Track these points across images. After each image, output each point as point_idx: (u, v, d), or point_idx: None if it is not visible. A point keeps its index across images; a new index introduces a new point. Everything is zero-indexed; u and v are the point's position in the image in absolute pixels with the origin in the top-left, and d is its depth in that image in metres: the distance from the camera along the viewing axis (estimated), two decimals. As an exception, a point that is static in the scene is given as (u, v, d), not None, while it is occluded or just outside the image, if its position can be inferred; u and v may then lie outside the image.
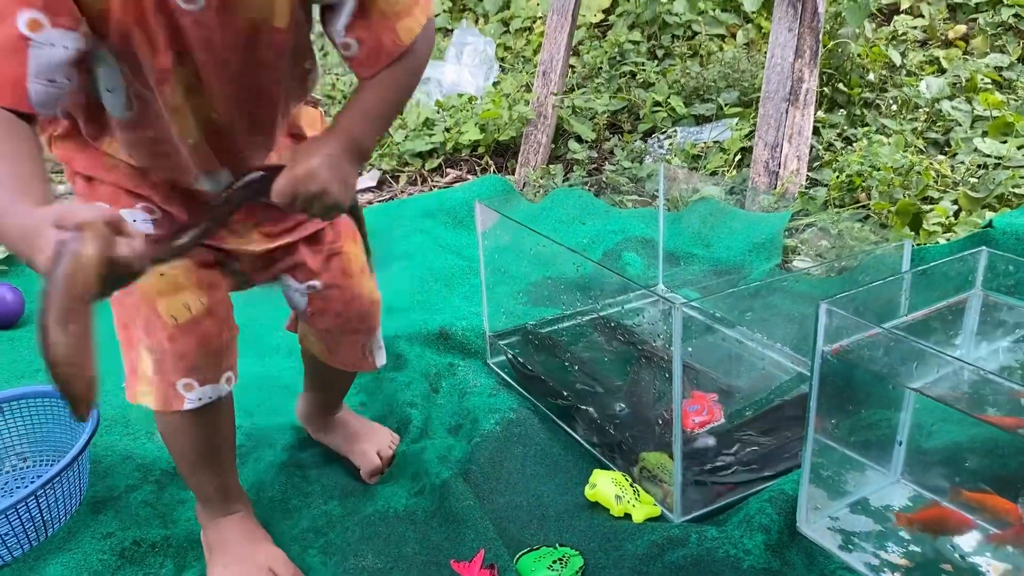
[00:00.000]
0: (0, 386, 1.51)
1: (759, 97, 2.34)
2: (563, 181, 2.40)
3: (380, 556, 1.05)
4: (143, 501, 1.18)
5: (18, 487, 1.24)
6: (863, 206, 2.00)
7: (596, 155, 2.59)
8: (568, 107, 2.67)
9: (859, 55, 2.68)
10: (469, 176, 2.57)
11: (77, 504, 1.16)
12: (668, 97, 2.75)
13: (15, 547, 1.07)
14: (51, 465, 1.27)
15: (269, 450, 1.29)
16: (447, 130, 2.70)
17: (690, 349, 1.25)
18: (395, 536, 1.09)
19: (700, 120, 2.74)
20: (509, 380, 1.45)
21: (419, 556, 1.06)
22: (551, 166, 2.45)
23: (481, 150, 2.64)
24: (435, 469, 1.18)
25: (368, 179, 2.64)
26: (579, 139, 2.61)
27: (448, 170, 2.62)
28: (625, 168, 2.46)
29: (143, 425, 1.36)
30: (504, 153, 2.68)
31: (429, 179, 2.60)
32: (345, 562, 1.05)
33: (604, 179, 2.34)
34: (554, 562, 1.01)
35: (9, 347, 1.69)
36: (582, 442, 1.28)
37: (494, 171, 2.57)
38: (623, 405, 1.28)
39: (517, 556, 1.03)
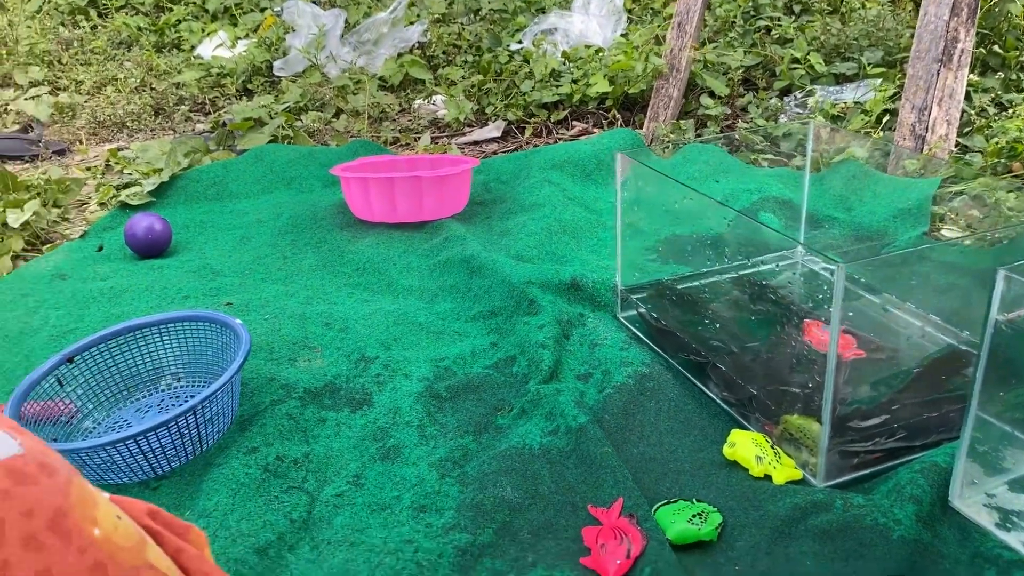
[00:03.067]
0: (151, 311, 1.60)
1: (905, 57, 2.22)
2: (695, 137, 2.35)
3: (517, 490, 1.07)
4: (286, 416, 1.23)
5: (173, 404, 1.30)
6: (1018, 176, 1.88)
7: (729, 112, 2.52)
8: (699, 61, 2.59)
9: (1019, 16, 2.50)
10: (595, 129, 2.54)
11: (229, 422, 1.21)
12: (807, 54, 2.64)
13: (173, 459, 1.14)
14: (203, 385, 1.33)
15: (405, 380, 1.32)
16: (574, 82, 2.67)
17: (851, 313, 1.21)
18: (531, 473, 1.10)
19: (840, 79, 2.62)
20: (639, 335, 1.44)
21: (555, 495, 1.07)
22: (682, 121, 2.39)
23: (609, 103, 2.60)
24: (571, 412, 1.19)
25: (493, 129, 2.64)
26: (712, 94, 2.53)
27: (574, 122, 2.60)
28: (759, 126, 2.38)
29: (285, 351, 1.41)
30: (632, 107, 2.64)
31: (554, 131, 2.59)
32: (483, 492, 1.07)
33: (738, 136, 2.27)
34: (693, 516, 1.00)
35: (159, 275, 1.78)
36: (716, 400, 1.26)
37: (621, 125, 2.53)
38: (763, 365, 1.25)
39: (654, 507, 1.03)
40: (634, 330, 1.45)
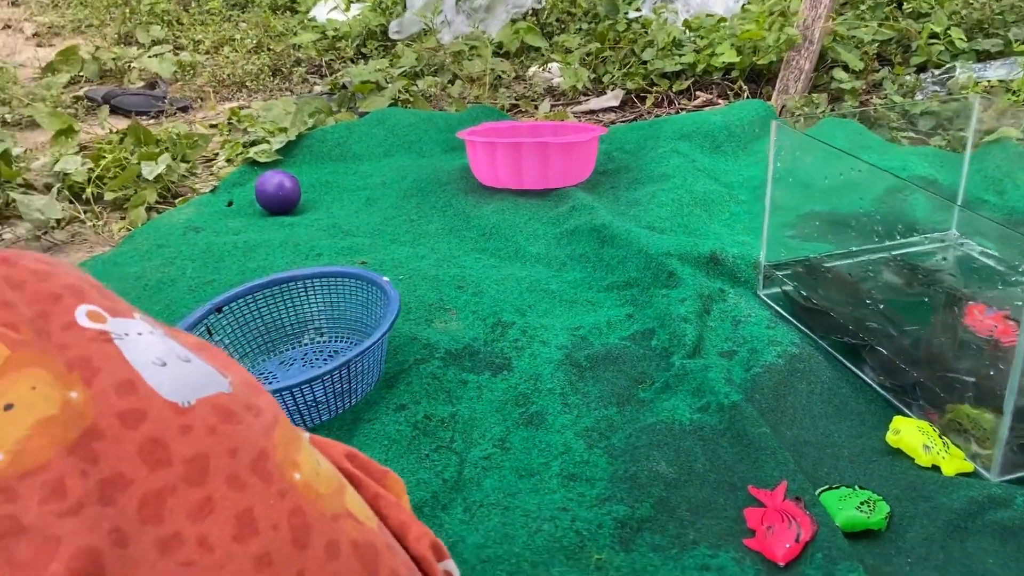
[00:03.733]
0: (286, 266, 1.62)
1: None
2: (828, 111, 2.25)
3: (672, 466, 1.04)
4: (430, 376, 1.23)
5: (316, 359, 1.32)
6: None
7: (863, 87, 2.41)
8: (831, 34, 2.48)
9: None
10: (720, 100, 2.46)
11: (376, 379, 1.22)
12: (947, 29, 2.50)
13: (324, 412, 1.14)
14: (345, 340, 1.34)
15: (543, 347, 1.31)
16: (697, 51, 2.59)
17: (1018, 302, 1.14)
18: (683, 449, 1.07)
19: (983, 56, 2.48)
20: (784, 313, 1.39)
21: (711, 474, 1.04)
22: (813, 95, 2.30)
23: (735, 74, 2.52)
24: (722, 389, 1.15)
25: (611, 98, 2.59)
26: (845, 68, 2.43)
27: (697, 93, 2.52)
28: (895, 103, 2.27)
29: (422, 312, 1.41)
30: (758, 79, 2.55)
31: (676, 101, 2.52)
32: (635, 464, 1.04)
33: (875, 111, 2.17)
34: (861, 504, 0.96)
35: (290, 232, 1.80)
36: (872, 384, 1.20)
37: (747, 96, 2.45)
38: (926, 350, 1.19)
39: (817, 492, 0.99)
40: (778, 308, 1.40)
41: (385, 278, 1.27)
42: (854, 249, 1.50)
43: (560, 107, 2.59)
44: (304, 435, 0.58)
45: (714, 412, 1.13)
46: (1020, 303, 0.94)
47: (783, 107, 2.31)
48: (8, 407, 0.42)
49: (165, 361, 0.49)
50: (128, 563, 0.41)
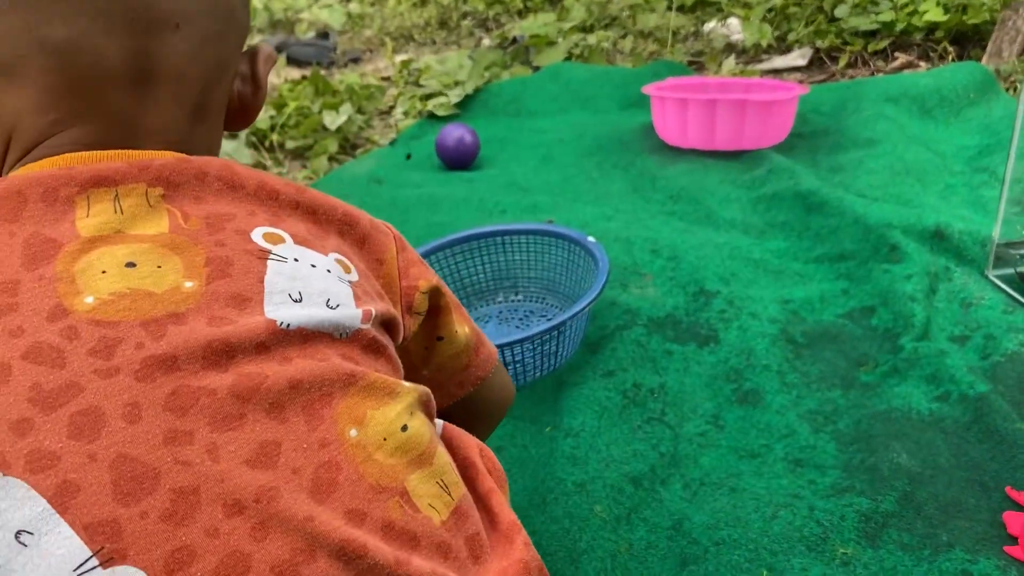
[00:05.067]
0: (470, 221, 1.59)
1: None
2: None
3: (914, 458, 0.95)
4: (634, 344, 1.17)
5: (512, 317, 1.29)
6: None
7: (1091, 50, 2.17)
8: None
9: None
10: (921, 63, 2.27)
11: (578, 343, 1.18)
12: None
13: (531, 373, 1.11)
14: (541, 301, 1.30)
15: (753, 320, 1.23)
16: (897, 8, 2.40)
17: None
18: (924, 441, 0.98)
19: None
20: (1018, 297, 1.25)
21: (958, 471, 0.94)
22: (1034, 58, 2.09)
23: (939, 34, 2.32)
24: (965, 378, 1.04)
25: (798, 56, 2.44)
26: (1071, 29, 2.19)
27: (896, 54, 2.34)
28: None
29: (617, 275, 1.35)
30: (964, 41, 2.34)
31: (871, 62, 2.34)
32: (873, 454, 0.96)
33: (1107, 79, 1.94)
34: None
35: (470, 187, 1.78)
36: None
37: (953, 59, 2.25)
38: None
39: (1088, 500, 0.88)
40: (1011, 292, 1.27)
41: (591, 238, 1.22)
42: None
43: (742, 65, 2.46)
44: (408, 399, 0.51)
45: (956, 403, 1.03)
46: None
47: (996, 71, 2.11)
48: (129, 264, 0.44)
49: (301, 298, 0.48)
50: (129, 435, 0.41)
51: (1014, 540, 0.85)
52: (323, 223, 0.53)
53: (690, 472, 0.98)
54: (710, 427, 1.05)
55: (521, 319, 1.29)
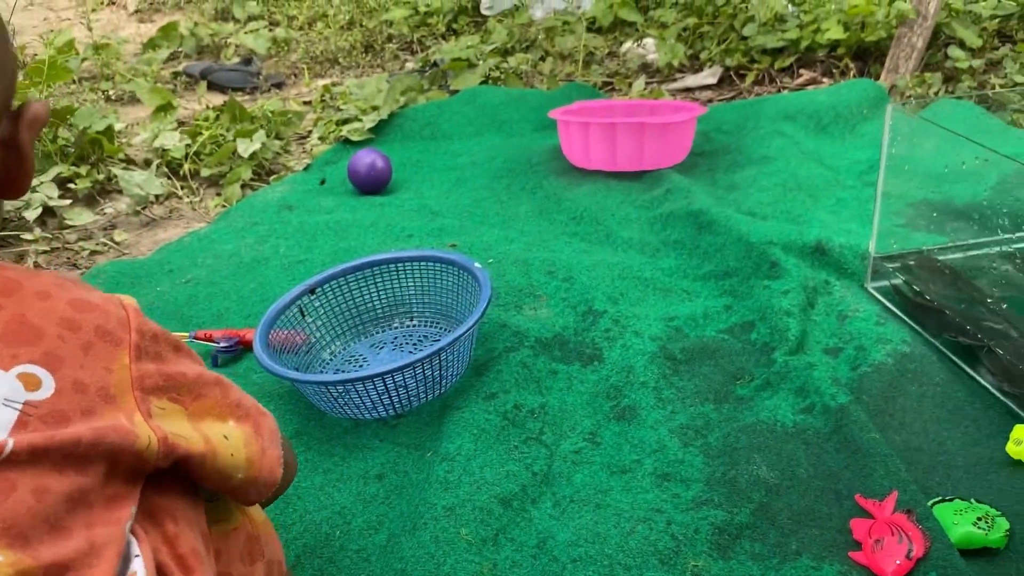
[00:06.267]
0: (377, 247, 1.61)
1: None
2: (943, 92, 2.12)
3: (773, 470, 0.99)
4: (520, 365, 1.20)
5: (406, 343, 1.31)
6: None
7: (980, 66, 2.26)
8: (946, 9, 2.34)
9: None
10: (824, 79, 2.35)
11: (464, 368, 1.20)
12: (1078, 2, 2.32)
13: (415, 398, 1.14)
14: (435, 326, 1.33)
15: (636, 338, 1.27)
16: (802, 26, 2.48)
17: None
18: (785, 453, 1.02)
19: (1117, 32, 2.30)
20: (894, 309, 1.31)
21: (814, 480, 0.98)
22: (927, 74, 2.17)
23: (841, 51, 2.40)
24: (828, 389, 1.09)
25: (709, 75, 2.51)
26: (962, 45, 2.28)
27: (801, 71, 2.42)
28: (1016, 83, 2.13)
29: (511, 297, 1.38)
30: (865, 56, 2.42)
31: (778, 79, 2.42)
32: (734, 468, 1.00)
33: (992, 93, 2.03)
34: (978, 519, 0.90)
35: (381, 212, 1.80)
36: (990, 389, 1.13)
37: (854, 75, 2.33)
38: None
39: (930, 504, 0.93)
40: (886, 303, 1.33)
41: (477, 264, 1.25)
42: (971, 242, 1.41)
43: (655, 84, 2.52)
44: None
45: (819, 414, 1.08)
46: None
47: (893, 87, 2.19)
48: None
49: None
50: None
51: (859, 545, 0.90)
52: (26, 332, 0.49)
53: (562, 490, 1.01)
54: (587, 444, 1.08)
55: (415, 344, 1.31)
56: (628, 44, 2.80)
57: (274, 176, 2.11)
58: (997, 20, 2.36)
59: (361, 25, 3.34)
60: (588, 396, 1.17)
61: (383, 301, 1.34)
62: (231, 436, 0.60)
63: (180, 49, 3.32)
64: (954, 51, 2.24)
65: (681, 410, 1.13)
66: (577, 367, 1.23)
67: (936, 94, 2.10)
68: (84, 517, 0.48)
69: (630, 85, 2.46)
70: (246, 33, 3.31)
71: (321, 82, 2.84)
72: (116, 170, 2.02)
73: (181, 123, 2.39)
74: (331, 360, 1.29)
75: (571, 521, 0.95)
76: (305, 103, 2.62)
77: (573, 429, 1.11)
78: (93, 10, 4.00)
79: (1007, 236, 1.39)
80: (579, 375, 1.21)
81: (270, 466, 0.64)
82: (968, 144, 1.17)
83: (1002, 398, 1.11)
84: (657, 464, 1.04)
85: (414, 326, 1.34)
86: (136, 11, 4.18)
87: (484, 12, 3.21)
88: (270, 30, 3.40)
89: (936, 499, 0.94)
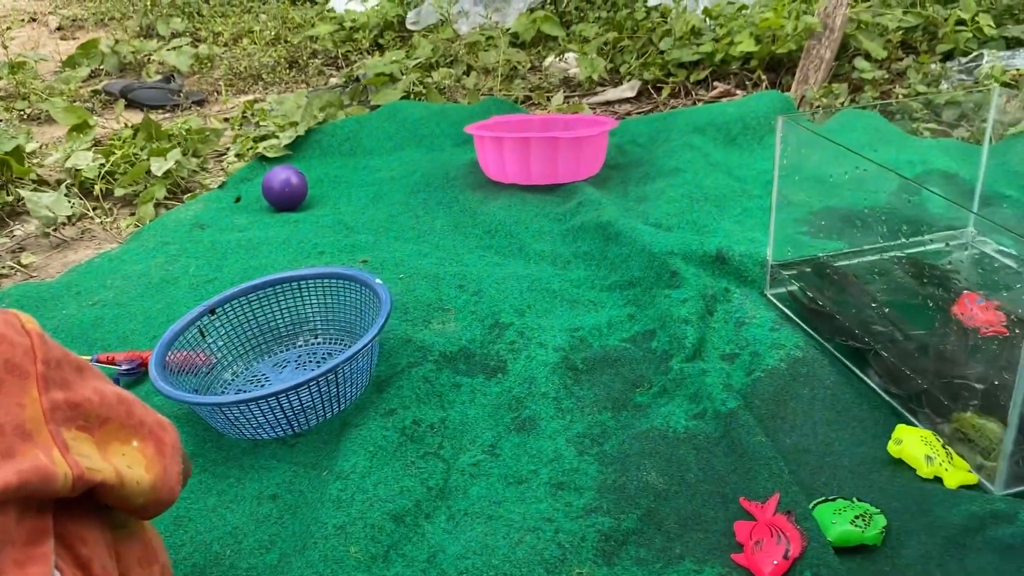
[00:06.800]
0: (288, 264, 1.60)
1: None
2: (849, 102, 2.19)
3: (662, 476, 1.01)
4: (422, 380, 1.20)
5: (310, 361, 1.30)
6: None
7: (886, 76, 2.34)
8: (854, 21, 2.41)
9: None
10: (738, 91, 2.41)
11: (366, 383, 1.20)
12: (975, 15, 2.42)
13: (312, 417, 1.13)
14: (339, 343, 1.33)
15: (540, 349, 1.28)
16: (716, 40, 2.54)
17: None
18: (676, 458, 1.04)
19: (1012, 43, 2.40)
20: (790, 314, 1.35)
21: (703, 484, 1.00)
22: (834, 85, 2.24)
23: (753, 63, 2.46)
24: (719, 395, 1.12)
25: (627, 89, 2.55)
26: (867, 57, 2.36)
27: (715, 83, 2.47)
28: (919, 92, 2.20)
29: (420, 312, 1.39)
30: (778, 68, 2.49)
31: (693, 92, 2.47)
32: (625, 474, 1.02)
33: (895, 103, 2.10)
34: (856, 517, 0.92)
35: (294, 229, 1.79)
36: (877, 390, 1.16)
37: (766, 87, 2.39)
38: (934, 355, 1.14)
39: (811, 505, 0.96)
40: (784, 309, 1.36)
41: (378, 280, 1.25)
42: (867, 247, 1.46)
43: (576, 98, 2.56)
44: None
45: (710, 419, 1.10)
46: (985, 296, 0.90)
47: (802, 97, 2.25)
48: None
49: None
50: None
51: (741, 547, 0.92)
52: None
53: (457, 503, 1.01)
54: (485, 457, 1.09)
55: (319, 362, 1.30)
56: (550, 59, 2.83)
57: (189, 195, 2.09)
58: (901, 32, 2.45)
59: (286, 41, 3.32)
60: (490, 408, 1.18)
61: (286, 320, 1.33)
62: (134, 464, 0.63)
63: (101, 67, 3.26)
64: (860, 62, 2.32)
65: (579, 419, 1.14)
66: (481, 380, 1.24)
67: (843, 104, 2.17)
68: (11, 554, 0.49)
69: (550, 99, 2.48)
70: (168, 50, 3.27)
71: (244, 99, 2.82)
72: (24, 192, 1.97)
73: (98, 142, 2.35)
74: (232, 380, 1.27)
75: (463, 534, 0.96)
76: (226, 120, 2.59)
77: (473, 442, 1.12)
78: (8, 28, 3.91)
79: (898, 242, 1.44)
80: (482, 388, 1.22)
81: (170, 486, 0.69)
82: (850, 154, 1.20)
83: (888, 399, 1.15)
84: (552, 473, 1.05)
85: (318, 343, 1.34)
86: (58, 28, 4.09)
87: (410, 27, 3.22)
88: (194, 47, 3.36)
89: (819, 499, 0.97)
